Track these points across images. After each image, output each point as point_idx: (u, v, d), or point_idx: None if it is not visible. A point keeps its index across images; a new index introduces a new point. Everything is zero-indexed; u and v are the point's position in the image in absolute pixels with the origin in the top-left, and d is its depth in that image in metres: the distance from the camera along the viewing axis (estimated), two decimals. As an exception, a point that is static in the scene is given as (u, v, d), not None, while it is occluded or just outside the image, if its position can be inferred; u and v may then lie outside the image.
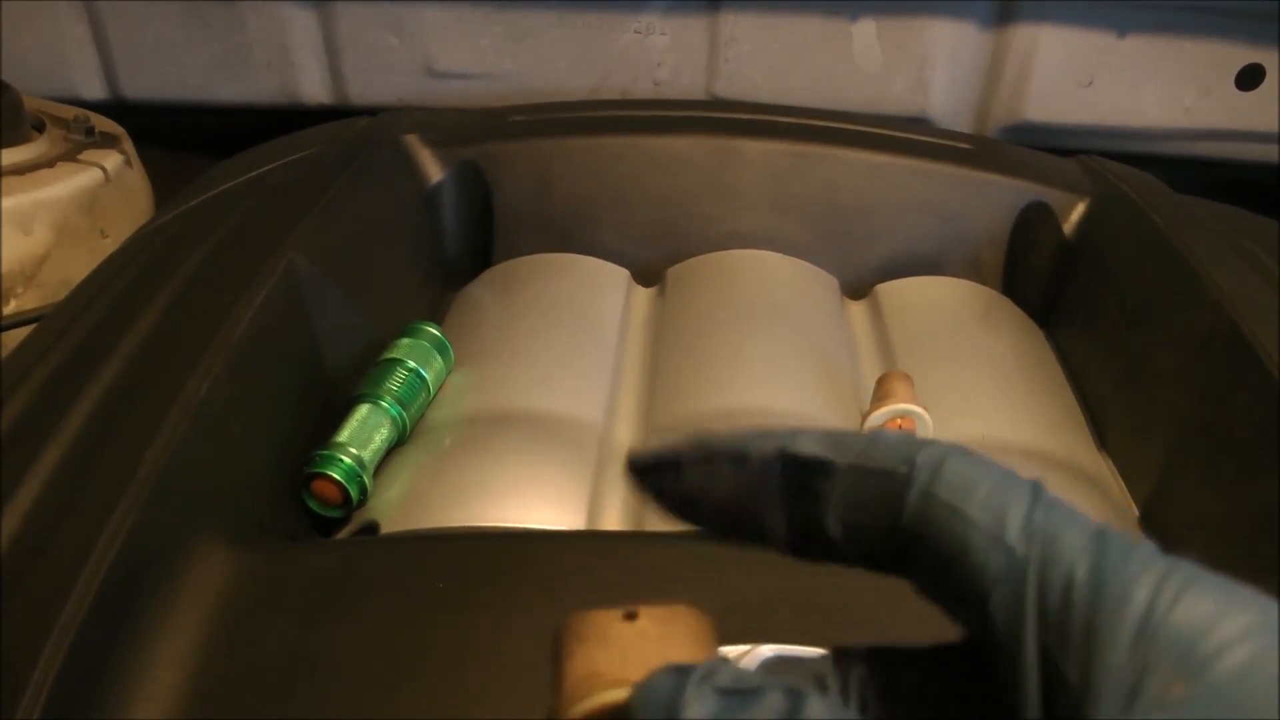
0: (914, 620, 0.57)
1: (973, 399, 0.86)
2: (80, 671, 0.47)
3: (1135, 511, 0.80)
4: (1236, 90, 1.36)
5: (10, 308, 1.01)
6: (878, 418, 0.79)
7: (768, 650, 0.53)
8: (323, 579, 0.58)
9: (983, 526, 0.26)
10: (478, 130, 1.09)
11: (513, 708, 0.50)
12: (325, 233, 0.83)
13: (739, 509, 0.30)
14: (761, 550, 0.58)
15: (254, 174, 0.96)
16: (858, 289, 1.06)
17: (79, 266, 0.99)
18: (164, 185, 1.24)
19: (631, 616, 0.29)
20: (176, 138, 1.46)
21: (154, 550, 0.55)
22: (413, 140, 1.05)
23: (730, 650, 0.53)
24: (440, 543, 0.65)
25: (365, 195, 0.93)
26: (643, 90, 1.43)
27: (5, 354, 0.71)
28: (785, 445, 0.29)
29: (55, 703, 0.45)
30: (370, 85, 1.45)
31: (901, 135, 1.11)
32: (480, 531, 0.69)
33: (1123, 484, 0.82)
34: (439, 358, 0.83)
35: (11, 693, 0.45)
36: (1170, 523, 0.76)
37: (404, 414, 0.78)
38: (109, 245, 1.06)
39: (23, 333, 0.78)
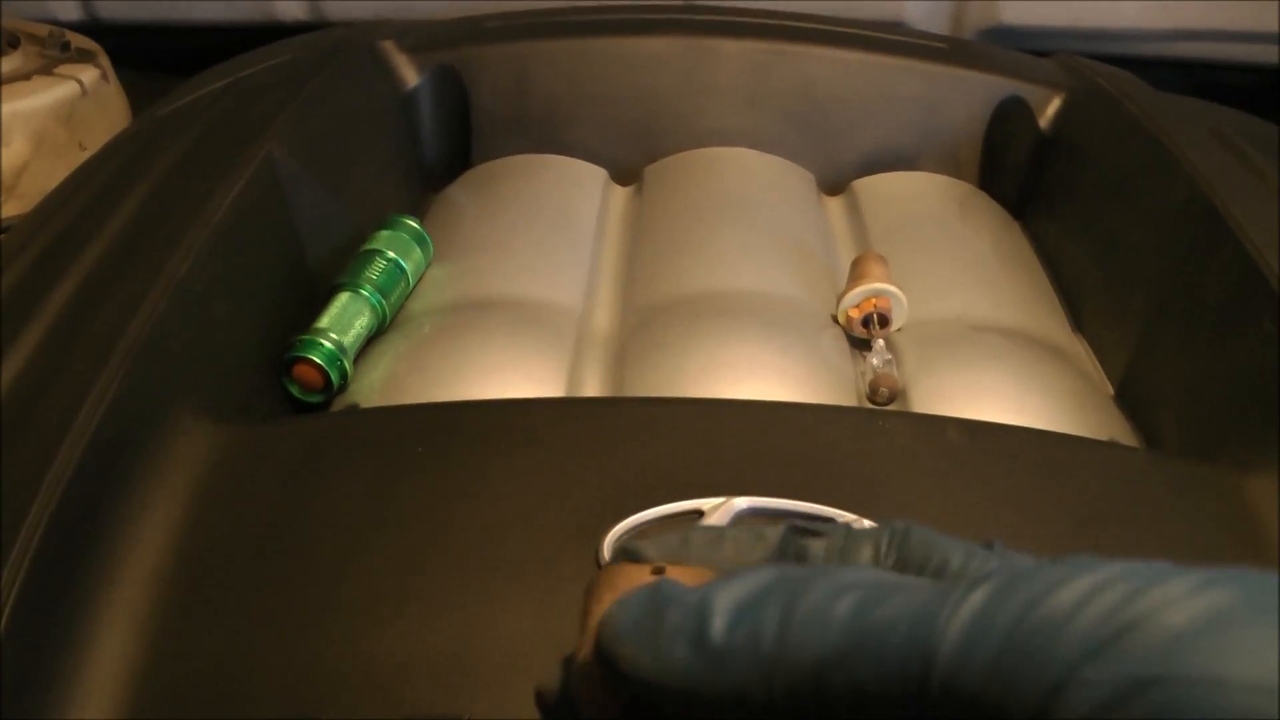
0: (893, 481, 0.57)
1: (949, 283, 0.87)
2: (66, 533, 0.48)
3: (1110, 388, 0.80)
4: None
5: (-10, 217, 1.02)
6: (853, 297, 0.80)
7: (742, 503, 0.54)
8: (304, 447, 0.59)
9: None
10: (454, 35, 1.09)
11: (490, 560, 0.51)
12: (303, 127, 0.83)
13: None
14: (737, 410, 0.59)
15: (230, 79, 0.96)
16: (835, 185, 1.07)
17: (58, 178, 0.99)
18: (141, 106, 1.23)
19: (659, 572, 0.30)
20: (152, 59, 1.45)
21: (138, 420, 0.56)
22: (389, 46, 1.05)
23: (705, 503, 0.54)
24: (420, 411, 0.65)
25: (342, 95, 0.93)
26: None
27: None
28: None
29: (42, 563, 0.46)
30: (348, 1, 1.45)
31: (877, 34, 1.11)
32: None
33: (1097, 363, 0.83)
34: (418, 249, 0.84)
35: (-2, 553, 0.45)
36: (1144, 396, 0.77)
37: (384, 302, 0.78)
38: (87, 158, 1.06)
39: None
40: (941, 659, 0.22)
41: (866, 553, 0.29)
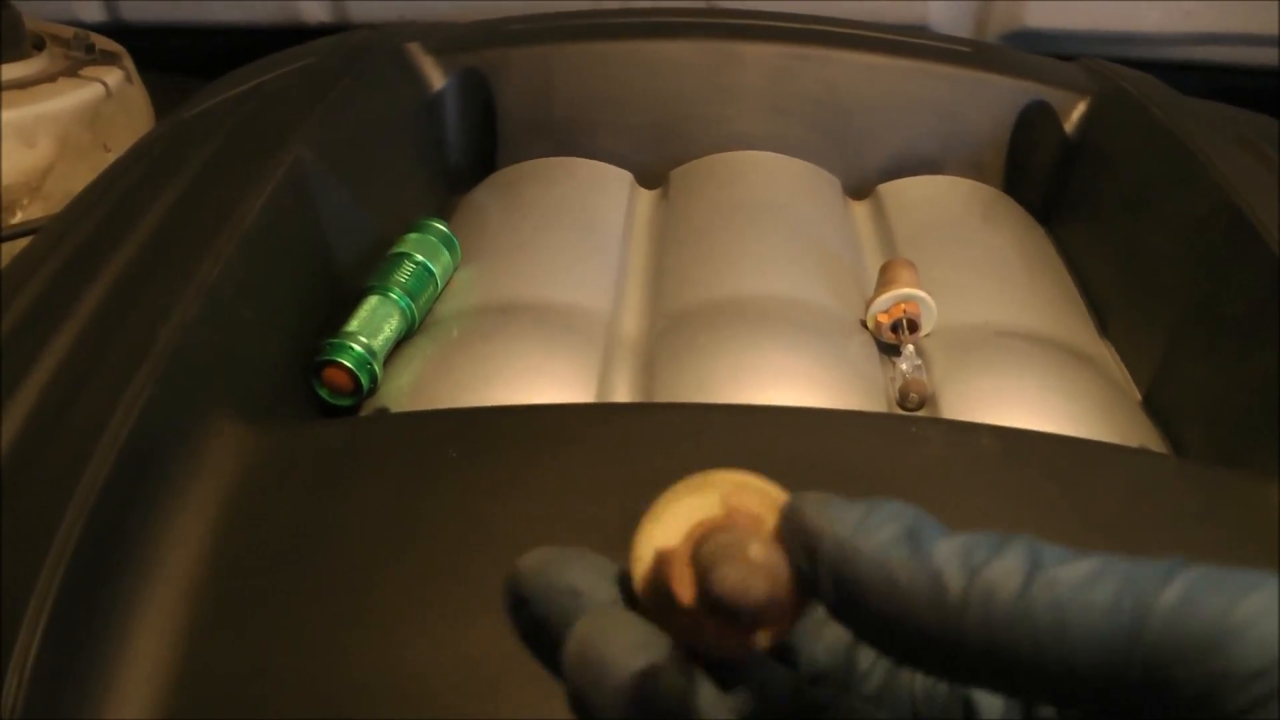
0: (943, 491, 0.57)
1: (976, 289, 0.87)
2: (102, 537, 0.48)
3: (1138, 395, 0.80)
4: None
5: (16, 219, 1.02)
6: (882, 303, 0.80)
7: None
8: (335, 452, 0.59)
9: None
10: (479, 37, 1.09)
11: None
12: (330, 131, 0.83)
13: None
14: (769, 416, 0.59)
15: (255, 82, 0.96)
16: (860, 189, 1.07)
17: (83, 180, 0.99)
18: (164, 107, 1.24)
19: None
20: (176, 61, 1.46)
21: (170, 424, 0.56)
22: (414, 48, 1.05)
23: None
24: (449, 417, 0.65)
25: (368, 99, 0.93)
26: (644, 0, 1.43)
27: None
28: None
29: (79, 567, 0.46)
30: (371, 2, 1.45)
31: (901, 38, 1.11)
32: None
33: (1124, 369, 0.83)
34: (446, 252, 0.84)
35: (35, 556, 0.46)
36: (1172, 403, 0.77)
37: (413, 305, 0.78)
38: (112, 160, 1.06)
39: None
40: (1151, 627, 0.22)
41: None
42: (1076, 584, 0.22)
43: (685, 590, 0.26)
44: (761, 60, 1.05)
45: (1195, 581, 0.21)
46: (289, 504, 0.55)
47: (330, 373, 0.72)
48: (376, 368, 0.74)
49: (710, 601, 0.25)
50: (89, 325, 0.59)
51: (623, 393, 0.76)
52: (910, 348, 0.78)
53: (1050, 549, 0.23)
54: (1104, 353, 0.85)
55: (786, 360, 0.74)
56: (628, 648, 0.26)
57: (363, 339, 0.73)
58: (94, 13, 1.46)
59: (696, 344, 0.76)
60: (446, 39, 1.07)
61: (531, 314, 0.80)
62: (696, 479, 0.28)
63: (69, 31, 1.22)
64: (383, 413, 0.72)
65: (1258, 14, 1.36)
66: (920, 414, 0.75)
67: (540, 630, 0.28)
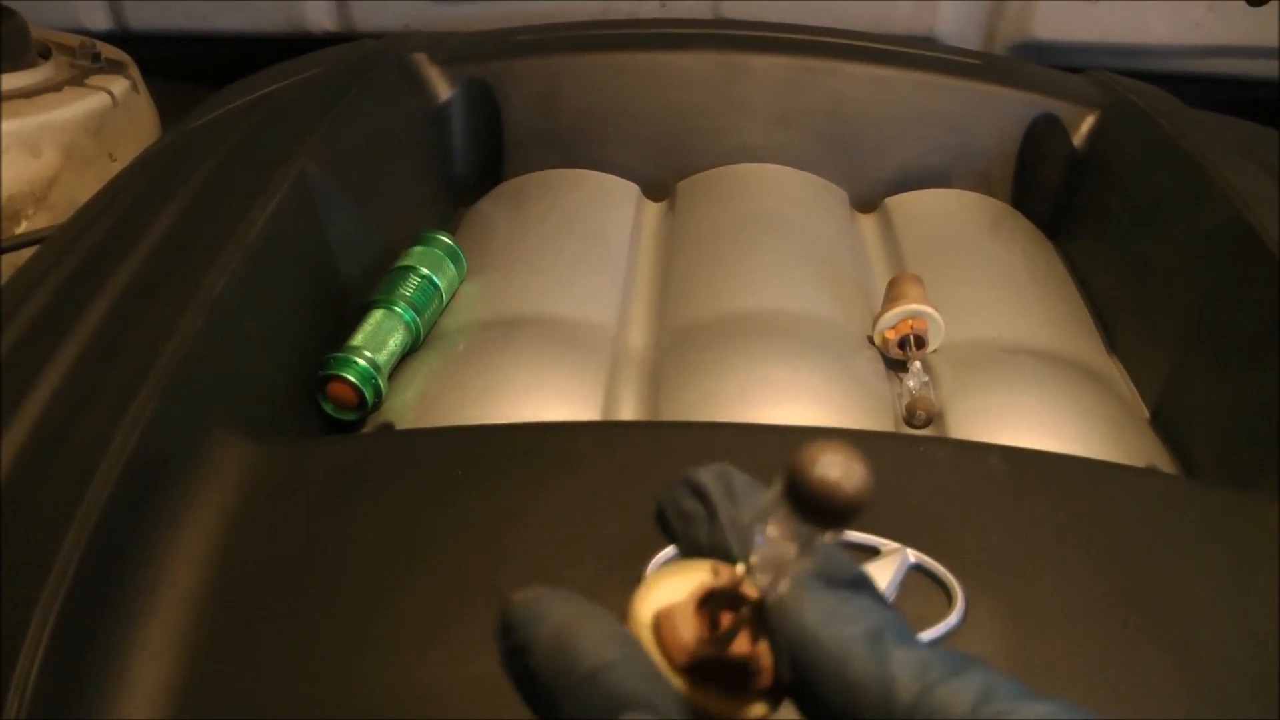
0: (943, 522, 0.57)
1: (983, 304, 0.86)
2: (105, 554, 0.48)
3: (1145, 412, 0.80)
4: (1247, 5, 1.35)
5: (21, 228, 1.02)
6: (890, 319, 0.79)
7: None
8: (340, 470, 0.58)
9: None
10: (486, 48, 1.09)
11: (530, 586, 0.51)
12: (335, 143, 0.83)
13: None
14: (777, 436, 0.59)
15: (261, 93, 0.96)
16: (867, 202, 1.06)
17: (88, 190, 0.99)
18: (170, 116, 1.24)
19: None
20: (181, 69, 1.46)
21: (173, 440, 0.56)
22: (421, 59, 1.05)
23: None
24: (456, 434, 0.65)
25: (374, 110, 0.93)
26: (650, 12, 1.42)
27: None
28: None
29: (82, 583, 0.46)
30: (377, 11, 1.45)
31: (909, 50, 1.10)
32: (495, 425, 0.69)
33: (1132, 385, 0.83)
34: (452, 265, 0.83)
35: (37, 574, 0.45)
36: (1181, 420, 0.76)
37: (418, 319, 0.78)
38: (118, 169, 1.06)
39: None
40: None
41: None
42: None
43: (683, 649, 0.27)
44: (769, 72, 1.05)
45: None
46: (292, 523, 0.55)
47: (334, 387, 0.72)
48: (381, 382, 0.73)
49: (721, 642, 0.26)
50: (92, 340, 0.59)
51: (629, 409, 0.75)
52: (918, 364, 0.77)
53: (1006, 684, 0.24)
54: (1112, 369, 0.84)
55: (793, 376, 0.74)
56: (600, 640, 0.27)
57: (367, 353, 0.73)
58: (100, 21, 1.46)
59: (703, 360, 0.76)
60: (453, 49, 1.07)
61: (537, 328, 0.80)
62: (679, 563, 0.29)
63: (75, 40, 1.22)
64: (387, 428, 0.72)
65: (1267, 26, 1.36)
66: (928, 431, 0.74)
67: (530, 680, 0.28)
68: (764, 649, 0.27)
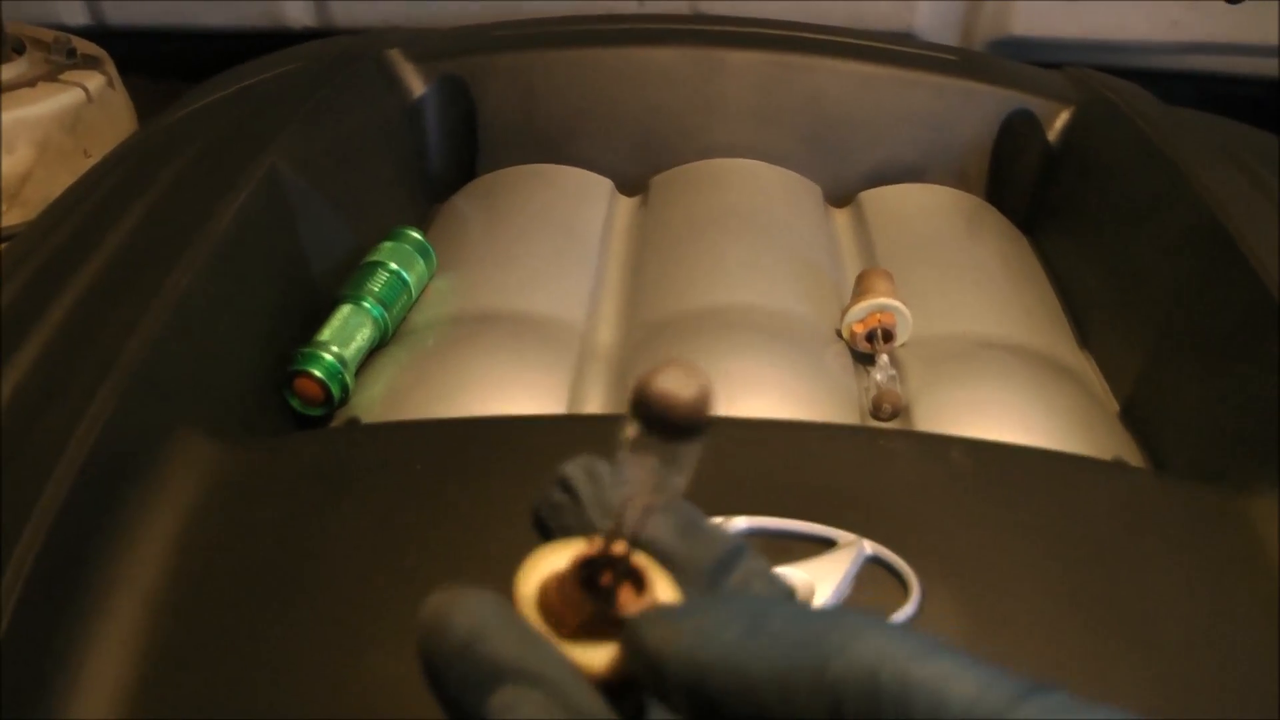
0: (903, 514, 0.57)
1: (955, 299, 0.86)
2: (62, 555, 0.48)
3: (1115, 406, 0.80)
4: (1225, 3, 1.35)
5: (-6, 225, 1.02)
6: (857, 313, 0.79)
7: (741, 522, 0.53)
8: (305, 467, 0.58)
9: None
10: (461, 44, 1.08)
11: (492, 581, 0.51)
12: (307, 139, 0.83)
13: None
14: (737, 429, 0.59)
15: (235, 88, 0.95)
16: (842, 197, 1.06)
17: (62, 186, 0.99)
18: (149, 112, 1.23)
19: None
20: (159, 65, 1.45)
21: (135, 439, 0.55)
22: (396, 55, 1.04)
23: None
24: (421, 429, 0.65)
25: (347, 106, 0.93)
26: (627, 8, 1.42)
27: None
28: None
29: (38, 584, 0.46)
30: (355, 8, 1.44)
31: (886, 46, 1.10)
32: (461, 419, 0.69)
33: (1103, 380, 0.83)
34: (421, 261, 0.83)
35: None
36: (1151, 415, 0.76)
37: (386, 315, 0.78)
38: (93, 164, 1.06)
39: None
40: None
41: None
42: (930, 686, 0.23)
43: (570, 611, 0.27)
44: (745, 68, 1.05)
45: (1049, 706, 0.22)
46: (256, 520, 0.55)
47: (301, 383, 0.72)
48: (348, 378, 0.73)
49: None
50: (54, 339, 0.59)
51: (595, 403, 0.75)
52: (885, 358, 0.77)
53: (909, 638, 0.24)
54: (1083, 364, 0.84)
55: (760, 370, 0.74)
56: (471, 612, 0.27)
57: (334, 349, 0.73)
58: (77, 16, 1.45)
59: (671, 354, 0.76)
60: (427, 46, 1.07)
61: (506, 324, 0.80)
62: (556, 542, 0.30)
63: (49, 35, 1.21)
64: (353, 423, 0.72)
65: (1245, 22, 1.36)
66: (894, 425, 0.74)
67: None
68: (645, 602, 0.28)
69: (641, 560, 0.29)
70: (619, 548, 0.28)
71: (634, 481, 0.27)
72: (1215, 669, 0.50)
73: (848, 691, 0.23)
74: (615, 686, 0.27)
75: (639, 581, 0.28)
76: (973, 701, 0.22)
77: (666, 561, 0.29)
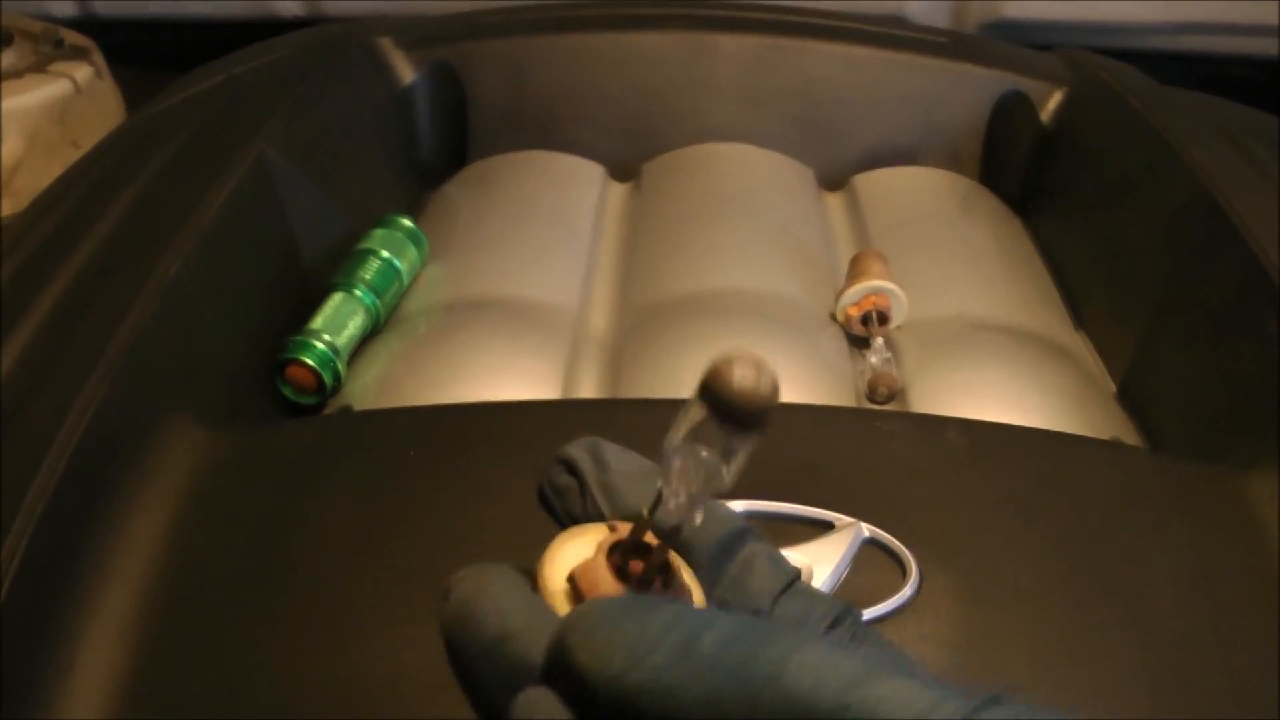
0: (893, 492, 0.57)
1: (949, 281, 0.86)
2: (54, 540, 0.47)
3: (1112, 386, 0.80)
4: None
5: (-17, 215, 1.01)
6: (852, 295, 0.79)
7: (738, 506, 0.53)
8: (296, 453, 0.58)
9: None
10: (451, 31, 1.08)
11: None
12: (296, 127, 0.83)
13: None
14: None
15: (223, 77, 0.95)
16: (835, 180, 1.06)
17: (52, 176, 0.98)
18: (138, 103, 1.23)
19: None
20: (149, 56, 1.45)
21: (126, 425, 0.55)
22: (385, 42, 1.04)
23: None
24: (413, 414, 0.65)
25: (337, 93, 0.93)
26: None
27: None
28: None
29: (29, 570, 0.45)
30: (344, -2, 1.44)
31: (878, 29, 1.10)
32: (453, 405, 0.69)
33: (1099, 361, 0.82)
34: (413, 248, 0.83)
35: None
36: (1147, 394, 0.76)
37: (378, 302, 0.78)
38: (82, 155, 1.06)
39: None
40: None
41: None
42: (871, 712, 0.22)
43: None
44: (736, 52, 1.04)
45: None
46: (247, 507, 0.54)
47: (293, 371, 0.72)
48: (340, 366, 0.73)
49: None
50: (44, 327, 0.58)
51: (589, 388, 0.75)
52: (880, 340, 0.77)
53: (845, 661, 0.23)
54: (1079, 345, 0.84)
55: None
56: (501, 610, 0.27)
57: (326, 337, 0.73)
58: (65, 7, 1.45)
59: (664, 339, 0.76)
60: (417, 33, 1.06)
61: (498, 310, 0.79)
62: (573, 529, 0.30)
63: (37, 26, 1.21)
64: (346, 411, 0.71)
65: (1240, 4, 1.36)
66: (890, 407, 0.74)
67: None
68: (679, 589, 0.28)
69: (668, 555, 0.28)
70: (651, 539, 0.27)
71: (683, 473, 0.26)
72: (1212, 646, 0.50)
73: None
74: None
75: (665, 569, 0.28)
76: None
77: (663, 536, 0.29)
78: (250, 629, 0.48)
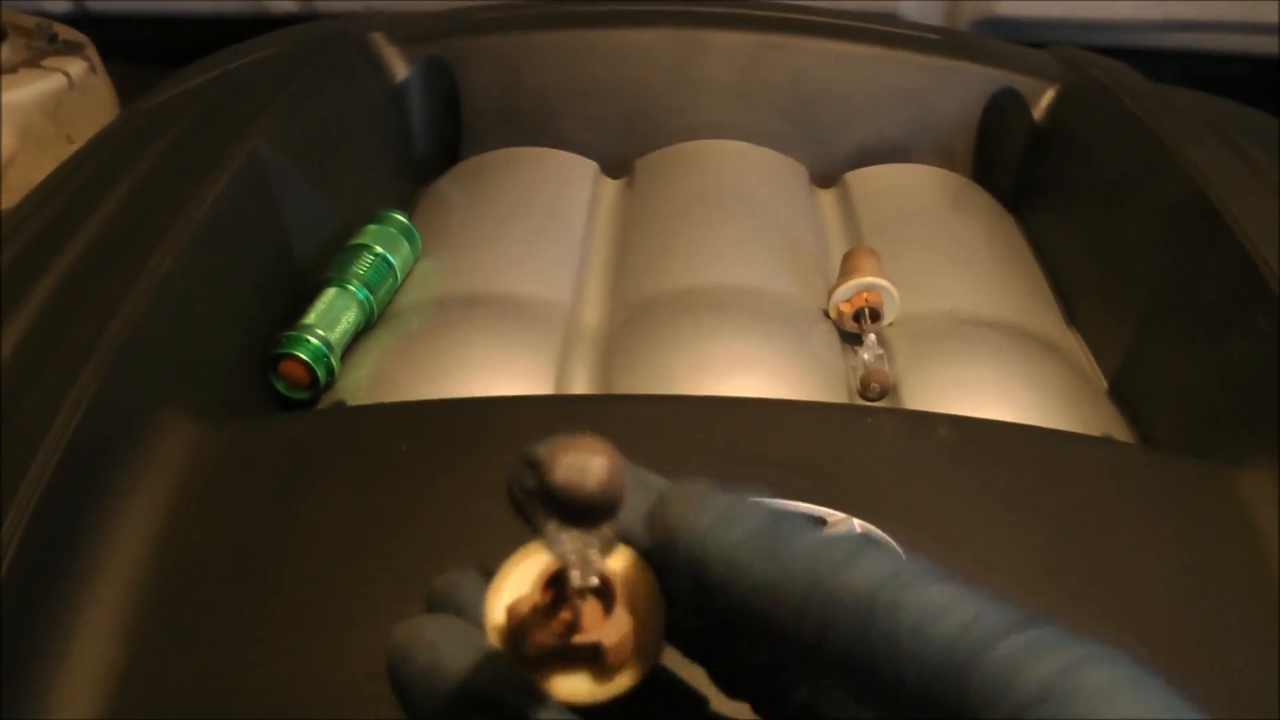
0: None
1: (942, 278, 0.86)
2: (47, 535, 0.47)
3: (1104, 383, 0.80)
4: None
5: (-23, 211, 1.01)
6: (844, 292, 0.79)
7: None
8: (290, 448, 0.58)
9: None
10: (444, 27, 1.08)
11: (476, 561, 0.50)
12: (289, 122, 0.83)
13: None
14: (725, 408, 0.59)
15: (217, 72, 0.95)
16: (827, 177, 1.06)
17: (45, 171, 0.98)
18: (131, 98, 1.23)
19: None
20: (142, 51, 1.45)
21: (118, 420, 0.55)
22: (379, 38, 1.04)
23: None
24: (406, 409, 0.65)
25: (330, 88, 0.93)
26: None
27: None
28: None
29: (22, 565, 0.45)
30: (338, -7, 1.44)
31: (870, 26, 1.10)
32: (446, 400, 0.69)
33: (1091, 357, 0.83)
34: (406, 244, 0.83)
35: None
36: (1138, 392, 0.76)
37: (371, 298, 0.78)
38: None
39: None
40: (979, 678, 0.21)
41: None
42: (921, 612, 0.22)
43: (533, 646, 0.26)
44: (729, 49, 1.04)
45: (1035, 640, 0.21)
46: (240, 502, 0.54)
47: (286, 366, 0.72)
48: (333, 361, 0.73)
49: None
50: (37, 321, 0.58)
51: (581, 384, 0.75)
52: (872, 337, 0.77)
53: (909, 566, 0.23)
54: (1071, 341, 0.84)
55: (747, 350, 0.74)
56: (432, 643, 0.27)
57: (319, 332, 0.73)
58: (59, 2, 1.45)
59: (657, 334, 0.76)
60: (411, 28, 1.06)
61: (491, 306, 0.79)
62: (528, 548, 0.29)
63: (31, 21, 1.21)
64: (339, 406, 0.72)
65: (1230, 2, 1.36)
66: (881, 404, 0.74)
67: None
68: (618, 622, 0.27)
69: (609, 576, 0.27)
70: (575, 581, 0.27)
71: (567, 553, 0.26)
72: (1204, 642, 0.50)
73: (839, 612, 0.23)
74: (585, 713, 0.26)
75: (609, 598, 0.27)
76: (959, 632, 0.22)
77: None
78: (244, 624, 0.48)
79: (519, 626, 0.27)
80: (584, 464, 0.24)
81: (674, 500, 0.26)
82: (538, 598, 0.27)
